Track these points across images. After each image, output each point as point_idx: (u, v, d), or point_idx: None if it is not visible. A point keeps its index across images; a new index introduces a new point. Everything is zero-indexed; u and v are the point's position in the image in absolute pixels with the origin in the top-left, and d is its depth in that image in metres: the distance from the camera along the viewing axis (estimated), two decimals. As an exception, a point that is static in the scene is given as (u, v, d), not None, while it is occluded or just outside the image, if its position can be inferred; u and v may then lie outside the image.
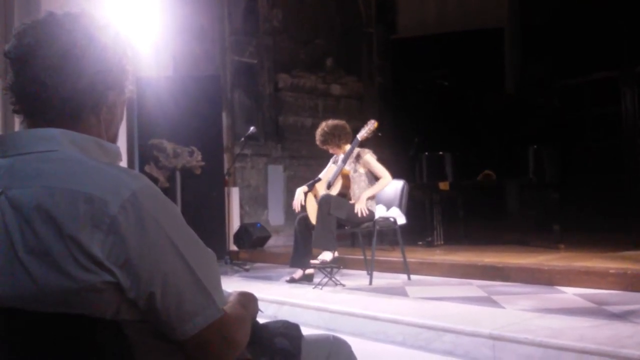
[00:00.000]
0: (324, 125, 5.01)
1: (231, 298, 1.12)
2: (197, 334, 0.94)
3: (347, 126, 5.03)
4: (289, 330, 1.29)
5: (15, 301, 0.90)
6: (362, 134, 4.89)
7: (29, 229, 0.89)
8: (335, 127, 4.96)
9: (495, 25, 8.88)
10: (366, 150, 4.93)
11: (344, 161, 4.89)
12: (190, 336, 0.94)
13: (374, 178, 4.87)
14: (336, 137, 4.94)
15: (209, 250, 1.02)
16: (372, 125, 4.91)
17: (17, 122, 5.14)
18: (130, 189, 0.91)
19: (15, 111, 1.04)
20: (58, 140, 0.98)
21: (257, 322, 1.22)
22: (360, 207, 4.64)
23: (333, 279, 4.58)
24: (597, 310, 3.46)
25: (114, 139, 1.10)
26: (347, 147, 4.97)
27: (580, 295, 3.92)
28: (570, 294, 4.02)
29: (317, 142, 5.04)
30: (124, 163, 1.09)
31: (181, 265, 0.93)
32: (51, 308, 0.89)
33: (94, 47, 1.02)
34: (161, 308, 0.92)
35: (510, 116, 8.04)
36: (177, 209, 0.99)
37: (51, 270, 0.88)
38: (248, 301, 1.15)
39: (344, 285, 4.57)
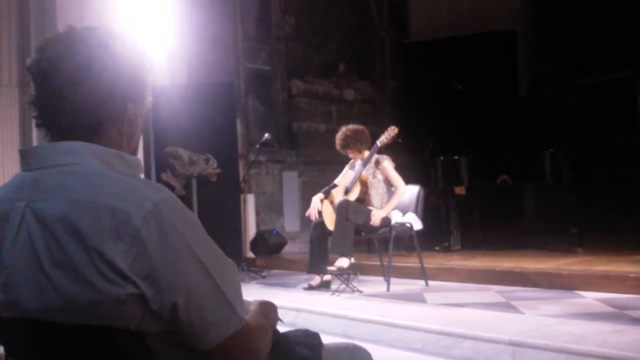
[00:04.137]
0: (345, 130, 5.01)
1: (252, 307, 1.13)
2: (219, 344, 0.94)
3: (367, 131, 5.03)
4: (310, 339, 1.29)
5: (41, 313, 0.91)
6: (382, 140, 4.89)
7: (54, 241, 0.91)
8: (356, 131, 4.96)
9: (508, 28, 8.84)
10: (385, 156, 4.92)
11: (363, 166, 4.89)
12: (213, 346, 0.94)
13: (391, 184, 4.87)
14: (358, 141, 4.93)
15: (230, 260, 1.03)
16: (392, 131, 4.90)
17: (35, 136, 5.22)
18: (152, 200, 0.92)
19: (38, 125, 1.05)
20: (80, 153, 0.99)
21: (277, 331, 1.22)
22: (374, 220, 4.63)
23: (350, 285, 4.57)
24: (619, 315, 3.41)
25: (134, 151, 1.11)
26: (366, 152, 4.96)
27: (601, 300, 3.88)
28: (590, 298, 3.97)
29: (337, 146, 5.03)
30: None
31: (203, 276, 0.94)
32: (76, 319, 0.90)
33: (114, 60, 1.03)
34: (184, 319, 0.92)
35: (525, 118, 8.00)
36: (198, 220, 1.00)
37: (76, 282, 0.89)
38: (268, 310, 1.16)
39: (361, 292, 4.56)
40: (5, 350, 1.05)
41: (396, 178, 4.82)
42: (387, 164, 4.86)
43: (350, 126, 5.04)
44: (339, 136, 5.01)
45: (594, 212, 6.55)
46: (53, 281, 0.90)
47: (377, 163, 4.89)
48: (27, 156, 1.02)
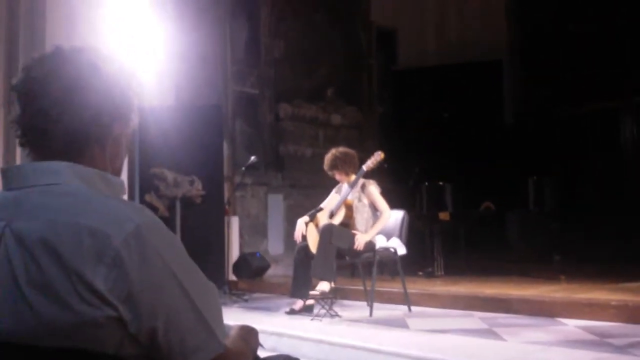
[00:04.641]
0: (334, 151, 5.04)
1: (232, 332, 1.12)
2: (199, 369, 0.93)
3: (357, 156, 5.06)
4: (290, 365, 1.28)
5: (18, 335, 0.90)
6: (368, 165, 4.92)
7: (33, 262, 0.89)
8: (346, 154, 5.00)
9: (494, 57, 8.99)
10: (371, 181, 4.95)
11: (349, 191, 4.90)
12: (193, 372, 0.93)
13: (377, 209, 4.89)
14: (346, 163, 4.96)
15: (211, 283, 1.02)
16: (378, 156, 4.94)
17: (18, 154, 5.17)
18: (134, 222, 0.92)
19: (21, 144, 1.04)
20: (62, 173, 0.98)
21: (258, 357, 1.21)
22: (358, 244, 4.63)
23: (330, 310, 4.54)
24: (600, 343, 3.43)
25: (118, 172, 1.11)
26: (353, 176, 4.98)
27: (582, 328, 3.89)
28: (572, 326, 3.99)
29: (325, 167, 5.05)
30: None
31: (184, 300, 0.93)
32: (54, 343, 0.89)
33: (100, 80, 1.03)
34: (163, 343, 0.91)
35: (510, 146, 8.09)
36: (180, 242, 0.99)
37: (54, 304, 0.88)
38: (249, 335, 1.15)
39: (340, 317, 4.53)
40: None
41: (381, 203, 4.84)
42: (373, 189, 4.88)
43: (341, 148, 5.07)
44: (328, 157, 5.04)
45: (577, 239, 6.61)
46: (30, 303, 0.88)
47: (364, 187, 4.91)
48: (8, 175, 1.01)
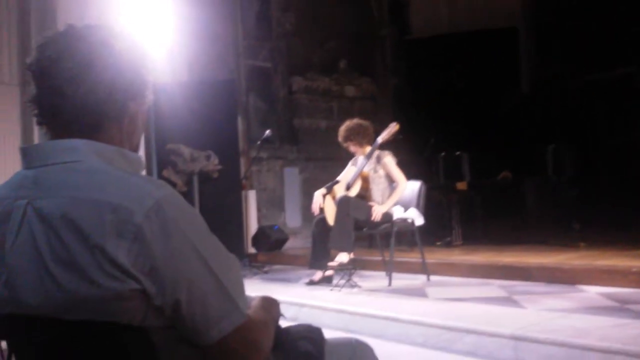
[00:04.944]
0: (348, 123, 5.02)
1: (254, 303, 1.13)
2: (222, 339, 0.95)
3: (371, 127, 5.04)
4: (312, 334, 1.30)
5: (45, 310, 0.92)
6: (383, 136, 4.90)
7: (56, 238, 0.91)
8: (360, 125, 4.98)
9: (508, 24, 8.82)
10: (386, 152, 4.93)
11: (364, 162, 4.89)
12: (216, 341, 0.95)
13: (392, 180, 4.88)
14: (360, 135, 4.94)
15: (232, 255, 1.03)
16: (393, 127, 4.91)
17: (36, 134, 5.22)
18: (154, 197, 0.93)
19: (38, 123, 1.05)
20: (82, 150, 0.99)
21: (279, 326, 1.23)
22: (375, 215, 4.64)
23: (350, 280, 4.57)
24: (620, 309, 3.42)
25: (136, 149, 1.12)
26: (368, 148, 4.97)
27: (603, 294, 3.88)
28: (592, 292, 3.98)
29: (340, 139, 5.04)
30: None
31: (205, 272, 0.94)
32: (80, 316, 0.91)
33: (113, 58, 1.03)
34: (187, 314, 0.93)
35: (527, 114, 7.99)
36: (200, 216, 1.00)
37: (79, 279, 0.89)
38: (270, 305, 1.16)
39: (360, 287, 4.57)
40: (8, 346, 1.05)
41: (397, 173, 4.83)
42: (389, 160, 4.87)
43: (355, 120, 5.06)
44: (342, 128, 5.03)
45: (596, 206, 6.55)
46: (55, 278, 0.90)
47: (379, 159, 4.89)
48: (28, 154, 1.02)
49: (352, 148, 5.03)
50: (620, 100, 8.03)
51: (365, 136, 4.96)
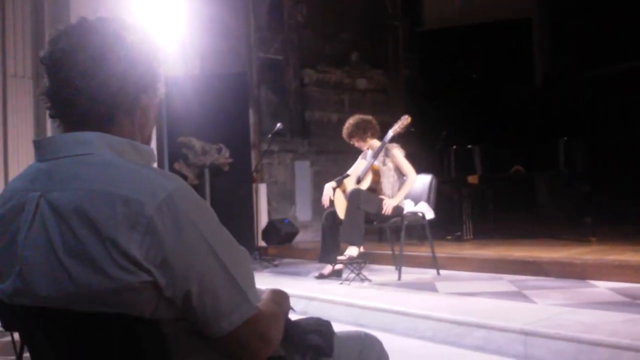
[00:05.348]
0: (350, 120, 5.04)
1: (264, 296, 1.14)
2: (232, 331, 0.96)
3: (374, 121, 5.03)
4: (322, 327, 1.30)
5: (58, 301, 0.93)
6: (395, 129, 4.87)
7: (69, 231, 0.92)
8: (361, 120, 4.97)
9: (522, 16, 8.74)
10: (394, 144, 4.92)
11: (374, 156, 4.89)
12: (226, 333, 0.96)
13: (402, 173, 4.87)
14: (361, 129, 4.94)
15: (243, 248, 1.04)
16: (405, 120, 4.89)
17: (49, 127, 5.26)
18: (165, 190, 0.93)
19: (51, 116, 1.06)
20: (94, 143, 1.00)
21: (289, 319, 1.23)
22: (386, 208, 4.64)
23: (360, 274, 4.58)
24: (631, 305, 3.40)
25: (147, 141, 1.12)
26: (374, 141, 4.96)
27: (613, 289, 3.86)
28: (603, 287, 3.96)
29: (344, 136, 5.05)
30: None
31: (216, 264, 0.95)
32: (92, 307, 0.92)
33: (126, 50, 1.04)
34: (197, 306, 0.94)
35: (540, 108, 7.93)
36: (211, 209, 1.01)
37: (91, 271, 0.90)
38: (280, 299, 1.17)
39: (370, 281, 4.57)
40: (21, 337, 1.07)
41: (406, 166, 4.81)
42: (397, 152, 4.85)
43: (356, 116, 5.05)
44: (344, 127, 5.04)
45: (607, 201, 6.50)
46: (68, 270, 0.91)
47: (387, 151, 4.89)
48: (41, 147, 1.03)
49: (357, 144, 5.03)
50: (635, 94, 7.94)
51: (367, 130, 4.95)
